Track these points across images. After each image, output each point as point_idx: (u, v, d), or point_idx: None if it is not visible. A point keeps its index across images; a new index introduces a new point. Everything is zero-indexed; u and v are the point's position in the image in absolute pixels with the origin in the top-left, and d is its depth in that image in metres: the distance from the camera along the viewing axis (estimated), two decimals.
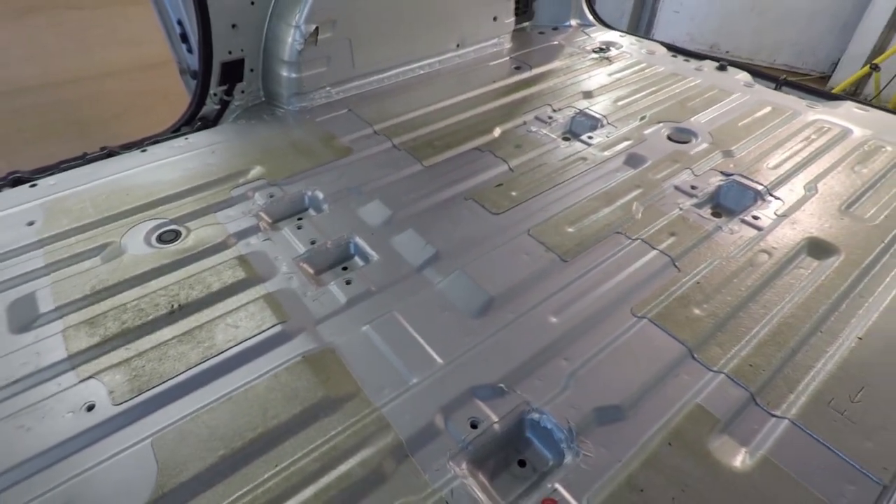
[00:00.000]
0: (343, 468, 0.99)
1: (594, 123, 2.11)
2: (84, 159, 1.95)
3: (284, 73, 2.13)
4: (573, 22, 3.01)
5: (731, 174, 1.77)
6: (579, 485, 0.97)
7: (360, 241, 1.53)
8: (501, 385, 1.13)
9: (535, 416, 1.08)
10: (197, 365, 1.18)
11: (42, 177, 1.84)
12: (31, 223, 1.61)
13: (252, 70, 2.17)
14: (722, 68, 2.55)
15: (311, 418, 1.08)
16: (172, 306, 1.32)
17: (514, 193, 1.71)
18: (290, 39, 2.06)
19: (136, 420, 1.08)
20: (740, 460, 1.01)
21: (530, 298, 1.35)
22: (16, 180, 1.83)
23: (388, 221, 1.61)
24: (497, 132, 2.06)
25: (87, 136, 3.53)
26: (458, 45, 2.57)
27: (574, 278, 1.40)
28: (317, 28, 2.06)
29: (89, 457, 1.02)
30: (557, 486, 0.97)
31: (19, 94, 3.26)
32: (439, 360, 1.19)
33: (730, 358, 1.19)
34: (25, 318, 1.31)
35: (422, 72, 2.44)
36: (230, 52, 2.09)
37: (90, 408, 1.10)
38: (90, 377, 1.16)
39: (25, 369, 1.18)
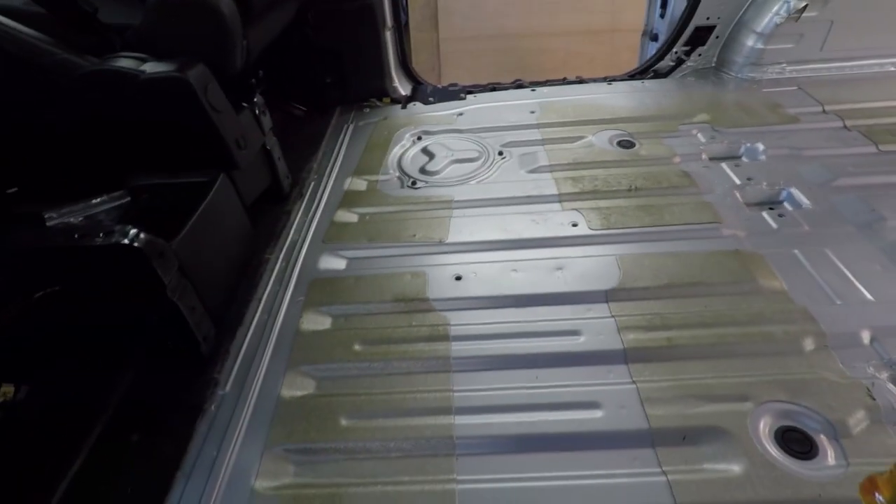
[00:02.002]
0: (765, 329, 1.24)
1: None
2: (563, 81, 2.63)
3: (750, 42, 2.33)
4: None
5: None
6: None
7: (795, 191, 1.67)
8: None
9: None
10: (649, 226, 1.59)
11: (536, 86, 2.58)
12: (532, 112, 2.33)
13: (717, 37, 2.44)
14: None
15: (737, 290, 1.35)
16: (630, 187, 1.77)
17: None
18: (773, 12, 2.23)
19: (605, 243, 1.56)
20: None
21: None
22: (518, 85, 2.63)
23: (828, 183, 1.69)
24: None
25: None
26: None
27: None
28: (806, 5, 2.17)
29: (573, 252, 1.55)
30: None
31: (499, 38, 4.42)
32: (870, 297, 1.29)
33: None
34: (531, 165, 1.96)
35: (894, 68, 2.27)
36: (707, 19, 2.40)
37: (574, 224, 1.64)
38: (572, 209, 1.71)
39: (534, 192, 1.81)
